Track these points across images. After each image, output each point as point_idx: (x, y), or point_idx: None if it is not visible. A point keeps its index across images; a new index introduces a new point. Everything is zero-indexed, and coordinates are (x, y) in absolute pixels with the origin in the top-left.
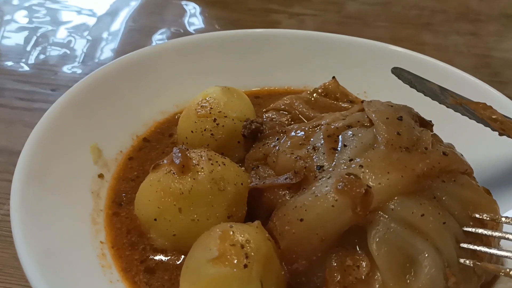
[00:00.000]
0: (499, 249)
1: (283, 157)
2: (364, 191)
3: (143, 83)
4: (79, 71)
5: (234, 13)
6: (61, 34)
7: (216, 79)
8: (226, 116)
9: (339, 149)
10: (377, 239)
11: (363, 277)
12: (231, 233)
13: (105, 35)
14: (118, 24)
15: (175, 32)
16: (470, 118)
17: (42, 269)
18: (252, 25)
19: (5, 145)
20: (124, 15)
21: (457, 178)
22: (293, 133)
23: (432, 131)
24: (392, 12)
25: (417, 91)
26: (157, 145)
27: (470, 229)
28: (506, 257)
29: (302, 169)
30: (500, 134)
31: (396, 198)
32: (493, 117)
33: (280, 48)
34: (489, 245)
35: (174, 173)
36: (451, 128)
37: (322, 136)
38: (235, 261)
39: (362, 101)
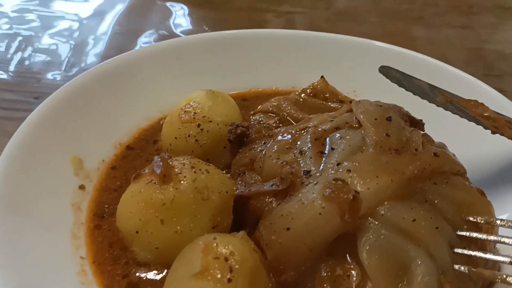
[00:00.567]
0: (495, 253)
1: (269, 162)
2: (352, 197)
3: (125, 89)
4: (63, 78)
5: (221, 13)
6: (45, 40)
7: (202, 82)
8: (210, 121)
9: (326, 152)
10: (368, 247)
11: (354, 287)
12: (215, 245)
13: (90, 40)
14: (104, 28)
15: (161, 35)
16: (461, 117)
17: None
18: (240, 25)
19: None
20: (110, 18)
21: (449, 180)
22: (280, 137)
23: (423, 130)
24: (383, 7)
25: (406, 90)
26: (141, 152)
27: (464, 233)
28: (503, 262)
29: (289, 174)
30: (493, 132)
31: (386, 203)
32: (485, 114)
33: (267, 48)
34: (484, 250)
35: (155, 183)
36: (443, 126)
37: (309, 139)
38: (219, 276)
39: (351, 101)
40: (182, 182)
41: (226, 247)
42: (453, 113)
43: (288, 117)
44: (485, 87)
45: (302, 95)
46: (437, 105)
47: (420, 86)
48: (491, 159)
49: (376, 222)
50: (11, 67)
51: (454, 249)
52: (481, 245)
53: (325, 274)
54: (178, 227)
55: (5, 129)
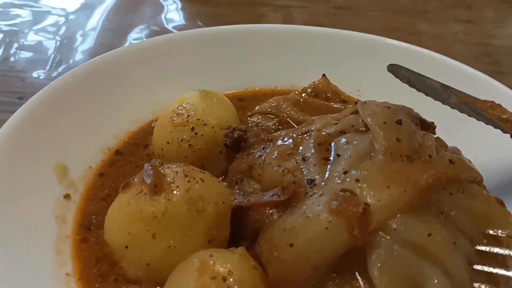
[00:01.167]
0: None
1: (270, 170)
2: (362, 210)
3: (113, 89)
4: (49, 76)
5: (216, 7)
6: (30, 36)
7: (196, 81)
8: (205, 124)
9: (331, 159)
10: (379, 264)
11: None
12: (211, 263)
13: (78, 36)
14: (93, 23)
15: (152, 30)
16: (477, 119)
17: None
18: (236, 20)
19: None
20: (98, 13)
21: (466, 189)
22: (280, 142)
23: (434, 133)
24: (385, 1)
25: (417, 90)
26: (131, 158)
27: (483, 248)
28: None
29: (291, 184)
30: None
31: (398, 216)
32: (503, 117)
33: (265, 45)
34: (506, 266)
35: (145, 193)
36: (455, 129)
37: (312, 144)
38: None
39: (356, 102)
40: (174, 192)
41: (224, 266)
42: (469, 115)
43: (288, 119)
44: (501, 87)
45: (303, 95)
46: (452, 107)
47: (432, 86)
48: (510, 166)
49: (388, 237)
50: None
51: (473, 265)
52: (502, 261)
53: None
54: (171, 242)
55: None
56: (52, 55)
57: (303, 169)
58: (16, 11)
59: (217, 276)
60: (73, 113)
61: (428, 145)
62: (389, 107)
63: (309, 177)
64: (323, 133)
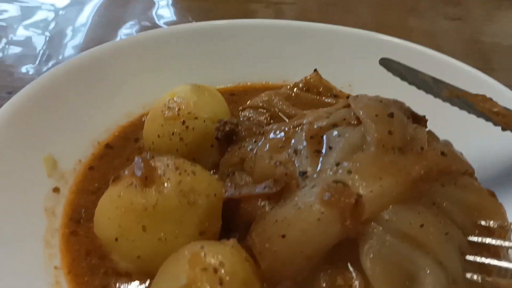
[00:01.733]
0: (511, 260)
1: (261, 163)
2: (354, 201)
3: (103, 83)
4: (38, 71)
5: (206, 3)
6: (20, 31)
7: (187, 76)
8: (196, 118)
9: (323, 152)
10: (371, 255)
11: None
12: (203, 255)
13: (68, 31)
14: (83, 18)
15: (143, 26)
16: (469, 112)
17: None
18: (227, 16)
19: None
20: (89, 9)
21: (457, 181)
22: (272, 135)
23: (426, 127)
24: None
25: (409, 84)
26: (121, 151)
27: (476, 239)
28: None
29: (283, 176)
30: (503, 129)
31: (390, 207)
32: (494, 110)
33: (257, 40)
34: (498, 256)
35: (136, 186)
36: (446, 123)
37: (304, 137)
38: None
39: (348, 96)
40: (165, 185)
41: (215, 257)
42: (461, 108)
43: (279, 113)
44: (492, 82)
45: (294, 89)
46: (443, 100)
47: (424, 79)
48: (501, 158)
49: (380, 228)
50: None
51: (466, 256)
52: (494, 252)
53: (324, 284)
54: (162, 234)
55: None
56: (42, 51)
57: (295, 162)
58: (5, 6)
59: (208, 268)
60: (63, 107)
61: (420, 137)
62: (380, 101)
63: (301, 169)
64: (315, 126)
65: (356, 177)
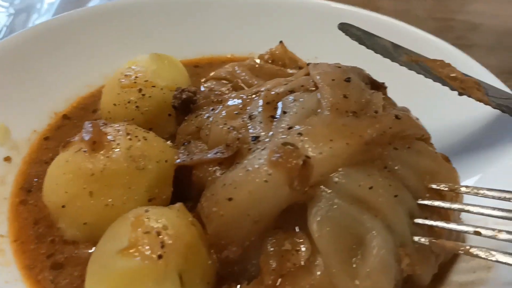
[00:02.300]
0: (459, 223)
1: (216, 129)
2: (302, 163)
3: (63, 53)
4: None
5: None
6: None
7: (152, 48)
8: (154, 86)
9: (278, 116)
10: (319, 218)
11: (302, 263)
12: (146, 219)
13: (38, 6)
14: None
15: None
16: (426, 77)
17: None
18: None
19: None
20: None
21: (412, 145)
22: (230, 102)
23: (385, 94)
24: None
25: (367, 48)
26: (79, 122)
27: (426, 202)
28: (466, 232)
29: (235, 141)
30: (460, 94)
31: (340, 169)
32: (452, 75)
33: (222, 12)
34: (447, 220)
35: (85, 151)
36: (407, 91)
37: (261, 103)
38: (148, 252)
39: (308, 64)
40: (114, 149)
41: (159, 221)
42: (418, 73)
43: (242, 84)
44: (452, 49)
45: (259, 61)
46: (400, 64)
47: (383, 44)
48: (458, 123)
49: (329, 191)
50: None
51: (415, 219)
52: (445, 215)
53: (272, 249)
54: (109, 200)
55: None
56: (5, 27)
57: (249, 127)
58: None
59: (150, 231)
60: (19, 76)
61: (375, 102)
62: (339, 67)
63: (254, 134)
64: (272, 92)
65: (306, 139)
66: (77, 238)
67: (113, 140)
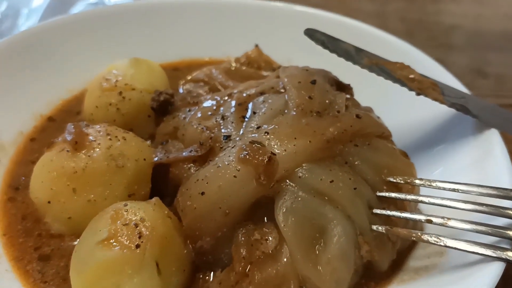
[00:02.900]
0: (413, 213)
1: (190, 129)
2: (267, 159)
3: (48, 58)
4: None
5: None
6: None
7: (132, 52)
8: (133, 89)
9: (248, 117)
10: (284, 209)
11: (270, 251)
12: (125, 212)
13: (25, 11)
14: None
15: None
16: (385, 78)
17: None
18: None
19: None
20: None
21: (371, 142)
22: (204, 104)
23: (352, 94)
24: None
25: (330, 52)
26: (63, 124)
27: (383, 194)
28: (419, 220)
29: (208, 139)
30: (417, 94)
31: (304, 165)
32: (411, 76)
33: (199, 17)
34: (404, 210)
35: (68, 151)
36: (371, 92)
37: (233, 104)
38: (127, 242)
39: (279, 67)
40: (95, 149)
41: (137, 214)
42: (378, 75)
43: (219, 86)
44: (413, 50)
45: (235, 64)
46: (361, 67)
47: (346, 48)
48: (417, 121)
49: (294, 185)
50: None
51: (373, 210)
52: (401, 206)
53: (242, 239)
54: (92, 196)
55: None
56: None
57: (222, 127)
58: None
59: (129, 223)
60: (6, 81)
61: (338, 102)
62: (307, 70)
63: (225, 133)
64: (244, 94)
65: (272, 137)
66: (62, 231)
67: (94, 141)
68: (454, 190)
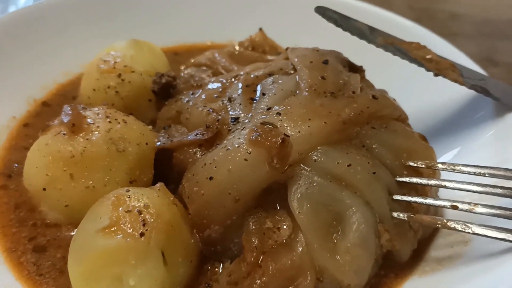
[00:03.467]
0: (436, 199)
1: (195, 111)
2: (281, 141)
3: (42, 41)
4: None
5: None
6: None
7: (131, 36)
8: (133, 71)
9: (257, 98)
10: (298, 195)
11: (284, 240)
12: (127, 198)
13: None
14: None
15: None
16: (402, 58)
17: None
18: None
19: None
20: None
21: (389, 125)
22: (209, 86)
23: (363, 76)
24: None
25: (343, 30)
26: (58, 109)
27: (404, 179)
28: (443, 206)
29: (215, 122)
30: (435, 75)
31: (319, 148)
32: (428, 57)
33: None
34: (425, 196)
35: (64, 134)
36: (384, 74)
37: (240, 86)
38: (130, 230)
39: (287, 49)
40: (94, 132)
41: (140, 200)
42: (394, 54)
43: (222, 70)
44: (429, 33)
45: (239, 48)
46: (376, 46)
47: (359, 27)
48: (434, 104)
49: (309, 169)
50: None
51: (393, 196)
52: (422, 191)
53: (253, 227)
54: (90, 182)
55: None
56: None
57: (229, 109)
58: None
59: (132, 210)
60: None
61: (353, 83)
62: (317, 50)
63: (233, 116)
64: (252, 75)
65: (285, 118)
66: (59, 220)
67: (93, 123)
68: (479, 174)
